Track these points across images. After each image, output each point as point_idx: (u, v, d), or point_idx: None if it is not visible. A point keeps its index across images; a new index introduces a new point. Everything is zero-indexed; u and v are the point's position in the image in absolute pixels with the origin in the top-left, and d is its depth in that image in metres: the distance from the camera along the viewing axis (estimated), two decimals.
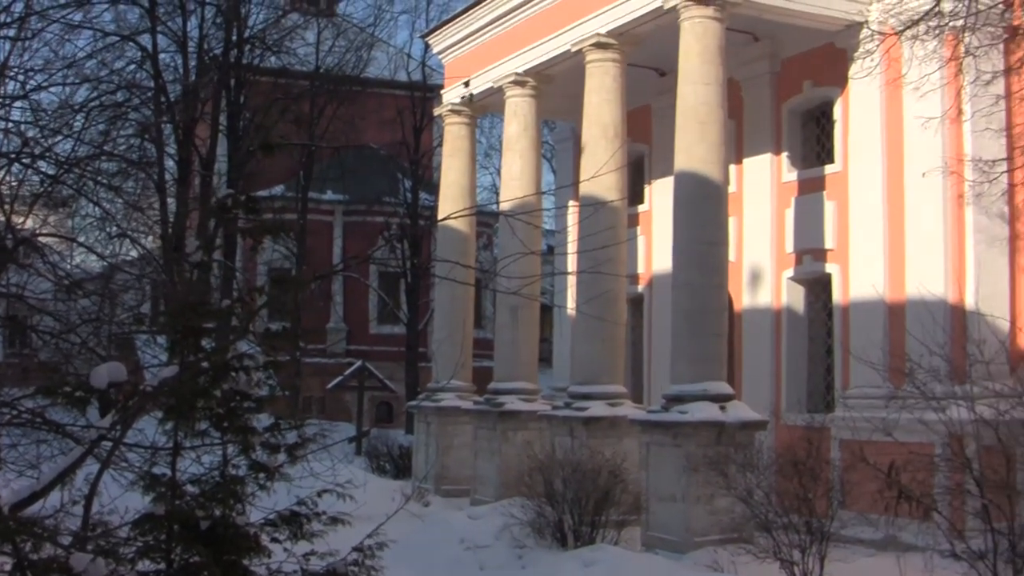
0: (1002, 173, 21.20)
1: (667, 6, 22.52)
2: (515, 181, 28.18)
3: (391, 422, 48.03)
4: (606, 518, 20.64)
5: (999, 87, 21.50)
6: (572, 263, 25.70)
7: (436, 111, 33.51)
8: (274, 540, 9.41)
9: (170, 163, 37.12)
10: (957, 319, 21.40)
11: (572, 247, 25.15)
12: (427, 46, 38.29)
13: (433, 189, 43.38)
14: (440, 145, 38.80)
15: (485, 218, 50.43)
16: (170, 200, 35.54)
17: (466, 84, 29.83)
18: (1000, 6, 20.96)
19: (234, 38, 39.96)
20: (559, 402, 25.75)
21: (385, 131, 49.67)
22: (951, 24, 20.09)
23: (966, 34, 20.55)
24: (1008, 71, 21.52)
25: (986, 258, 21.64)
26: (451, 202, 31.00)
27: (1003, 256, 21.87)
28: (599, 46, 24.79)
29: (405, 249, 48.97)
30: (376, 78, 51.79)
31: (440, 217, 31.49)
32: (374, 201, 51.25)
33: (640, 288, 30.43)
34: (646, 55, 26.08)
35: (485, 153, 60.60)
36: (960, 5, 19.11)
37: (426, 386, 33.58)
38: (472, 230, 31.94)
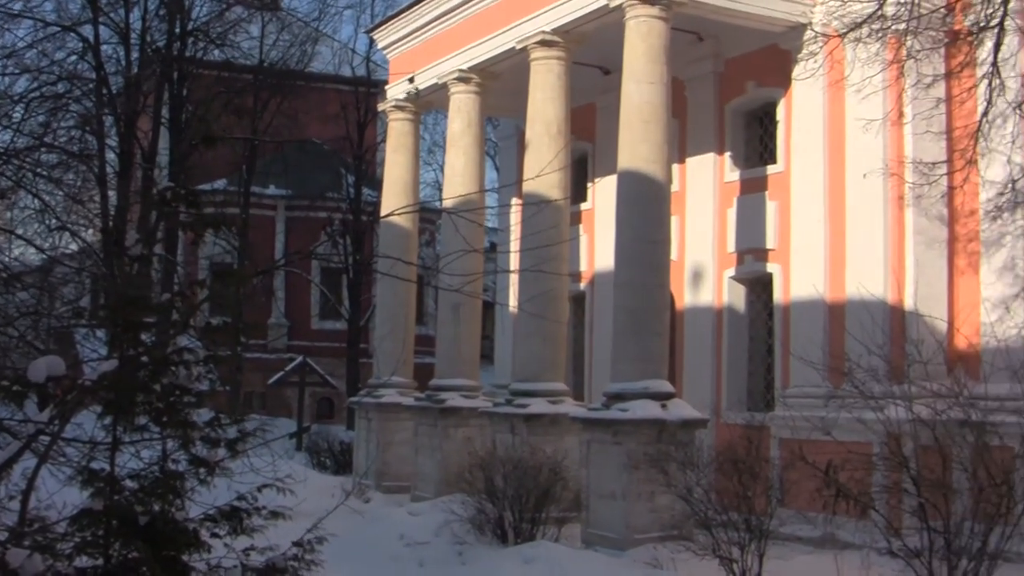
0: (941, 176, 21.40)
1: (612, 5, 22.57)
2: (458, 178, 28.15)
3: (332, 418, 47.90)
4: (546, 515, 20.67)
5: (940, 91, 21.69)
6: (515, 261, 25.76)
7: (380, 107, 33.42)
8: (214, 535, 9.38)
9: (111, 155, 36.85)
10: (896, 319, 21.61)
11: (515, 245, 25.18)
12: (372, 41, 38.23)
13: (376, 185, 43.31)
14: (384, 141, 38.78)
15: (428, 215, 50.41)
16: (111, 193, 35.28)
17: (411, 80, 29.79)
18: (941, 11, 21.19)
19: (177, 30, 39.71)
20: (500, 399, 25.75)
21: (329, 126, 49.52)
22: (893, 28, 20.25)
23: (908, 38, 20.71)
24: (948, 75, 21.71)
25: (925, 259, 21.87)
26: (394, 198, 30.93)
27: (941, 258, 22.11)
28: (544, 44, 24.79)
29: (347, 245, 48.89)
30: (320, 73, 51.68)
31: (383, 213, 31.43)
32: (317, 196, 51.10)
33: (582, 286, 30.50)
34: (591, 53, 26.11)
35: (429, 149, 60.67)
36: (902, 9, 19.27)
37: (367, 382, 33.50)
38: (415, 226, 31.91)
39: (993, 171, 21.26)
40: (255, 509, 9.52)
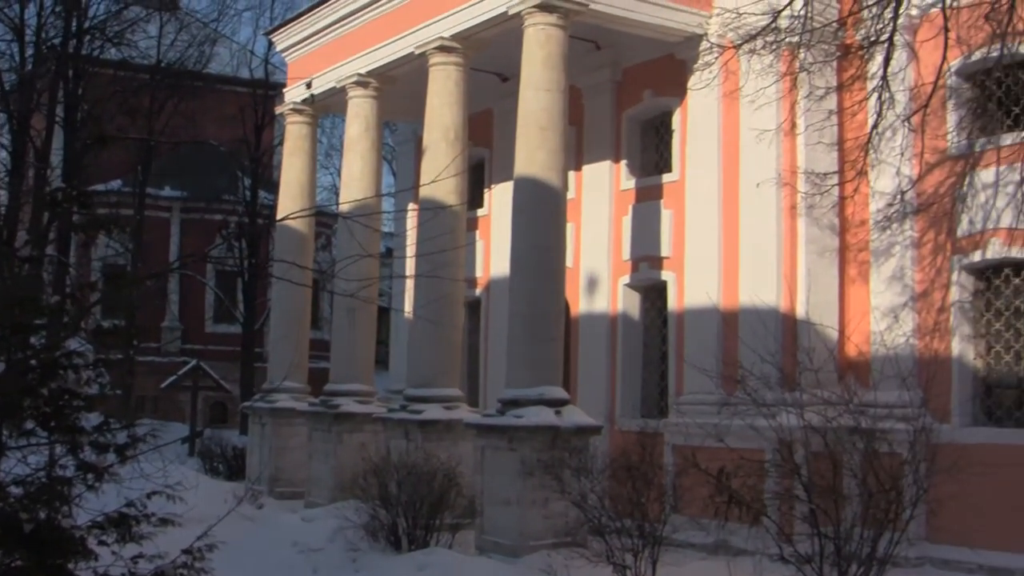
0: (833, 186, 21.78)
1: (511, 12, 22.61)
2: (355, 182, 28.04)
3: (226, 423, 47.45)
4: (440, 521, 20.65)
5: (832, 102, 22.09)
6: (410, 266, 25.72)
7: (278, 110, 33.19)
8: (101, 543, 9.25)
9: (3, 154, 36.21)
10: (788, 328, 21.91)
11: (411, 250, 25.12)
12: (270, 43, 37.92)
13: (273, 188, 42.97)
14: (281, 143, 38.52)
15: (325, 218, 50.19)
16: (1, 192, 34.62)
17: (308, 85, 29.63)
18: (833, 25, 21.54)
19: (73, 28, 39.05)
20: (395, 405, 25.67)
21: (226, 128, 49.05)
22: (787, 40, 20.55)
23: (801, 50, 21.06)
24: (840, 87, 22.11)
25: (817, 268, 22.20)
26: (291, 201, 30.76)
27: (833, 267, 22.47)
28: (443, 49, 24.77)
29: (243, 248, 48.49)
30: (218, 74, 51.25)
31: (279, 216, 31.24)
32: (213, 198, 50.70)
33: (478, 292, 30.54)
34: (489, 60, 26.19)
35: (326, 153, 60.39)
36: (796, 22, 19.56)
37: (262, 387, 33.24)
38: (311, 230, 31.74)
39: (883, 182, 21.67)
40: (144, 516, 9.42)
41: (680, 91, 24.72)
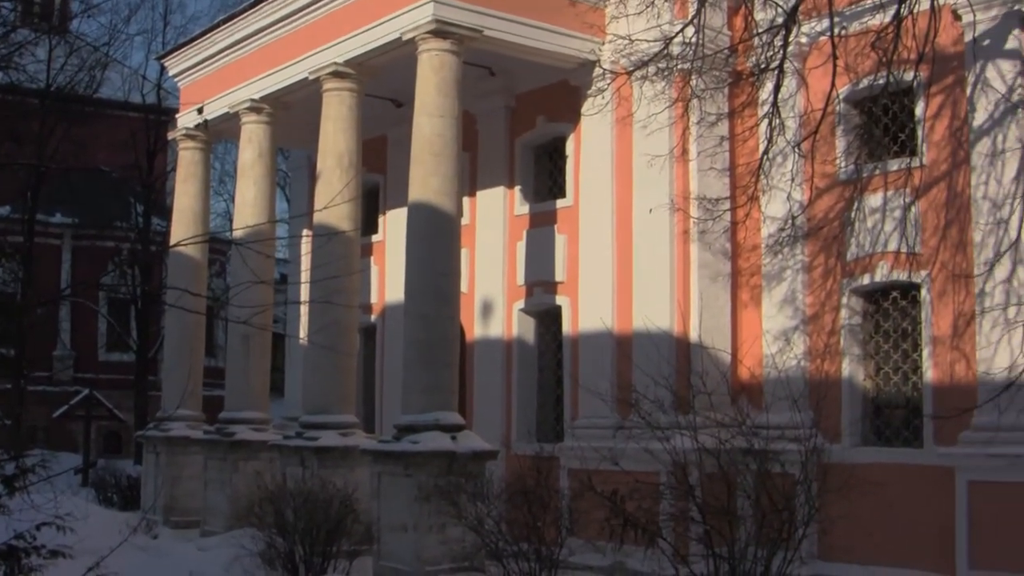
0: (725, 211, 22.06)
1: (405, 38, 22.61)
2: (249, 208, 27.80)
3: (120, 452, 46.78)
4: (338, 548, 20.48)
5: (723, 129, 22.41)
6: (304, 292, 25.54)
7: (170, 135, 32.86)
8: None
9: None
10: (681, 351, 22.08)
11: (305, 276, 24.96)
12: (163, 68, 37.55)
13: (166, 214, 42.53)
14: (174, 169, 38.10)
15: (219, 245, 49.75)
16: None
17: (200, 111, 29.34)
18: (725, 52, 21.84)
19: None
20: (291, 432, 25.45)
21: (118, 153, 48.43)
22: (679, 67, 20.81)
23: (693, 77, 21.33)
24: (732, 114, 22.44)
25: (709, 293, 22.42)
26: (184, 228, 30.44)
27: (725, 291, 22.72)
28: (336, 75, 24.69)
29: (136, 275, 47.87)
30: (109, 99, 50.62)
31: (172, 243, 30.88)
32: (105, 225, 49.96)
33: (373, 318, 30.41)
34: (383, 85, 26.13)
35: (220, 179, 59.92)
36: (688, 49, 19.78)
37: (156, 415, 32.79)
38: (204, 257, 31.40)
39: (774, 207, 21.98)
40: (34, 548, 9.23)
41: (574, 117, 24.87)
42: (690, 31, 19.50)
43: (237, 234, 27.26)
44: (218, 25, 29.28)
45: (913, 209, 20.36)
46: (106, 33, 50.46)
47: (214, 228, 51.80)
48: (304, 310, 26.35)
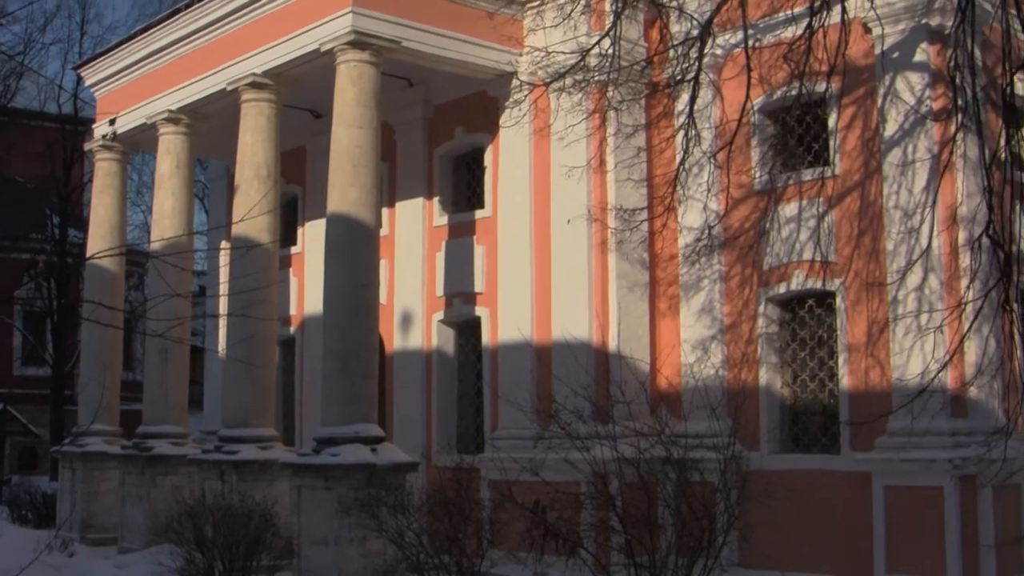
0: (642, 222, 22.23)
1: (324, 49, 22.55)
2: (167, 220, 27.53)
3: (35, 469, 46.09)
4: (258, 563, 20.38)
5: (640, 140, 22.61)
6: (223, 305, 25.35)
7: (87, 146, 32.50)
8: None
9: None
10: (600, 361, 22.21)
11: (223, 289, 24.77)
12: (79, 78, 37.14)
13: (83, 225, 42.06)
14: (91, 180, 37.63)
15: (136, 257, 49.20)
16: None
17: (111, 123, 29.02)
18: (641, 64, 22.00)
19: None
20: (209, 446, 25.24)
21: (33, 164, 47.86)
22: (596, 78, 20.97)
23: (610, 88, 21.50)
24: (648, 125, 22.64)
25: (627, 303, 22.56)
26: (101, 240, 30.08)
27: (643, 301, 22.88)
28: (255, 86, 24.55)
29: (52, 287, 47.25)
30: (24, 109, 50.00)
31: (88, 255, 30.54)
32: (20, 237, 49.23)
33: (292, 330, 30.23)
34: (302, 96, 26.07)
35: (137, 190, 59.13)
36: (604, 61, 19.93)
37: (72, 430, 32.37)
38: (122, 269, 31.04)
39: (690, 217, 22.20)
40: None
41: (492, 128, 24.93)
42: (606, 43, 19.68)
43: (154, 246, 27.00)
44: (135, 35, 29.00)
45: (827, 218, 20.68)
46: (21, 42, 49.72)
47: (132, 240, 51.24)
48: (223, 323, 26.14)
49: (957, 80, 17.40)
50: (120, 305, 30.29)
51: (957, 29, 17.06)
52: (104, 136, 29.85)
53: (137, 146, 32.16)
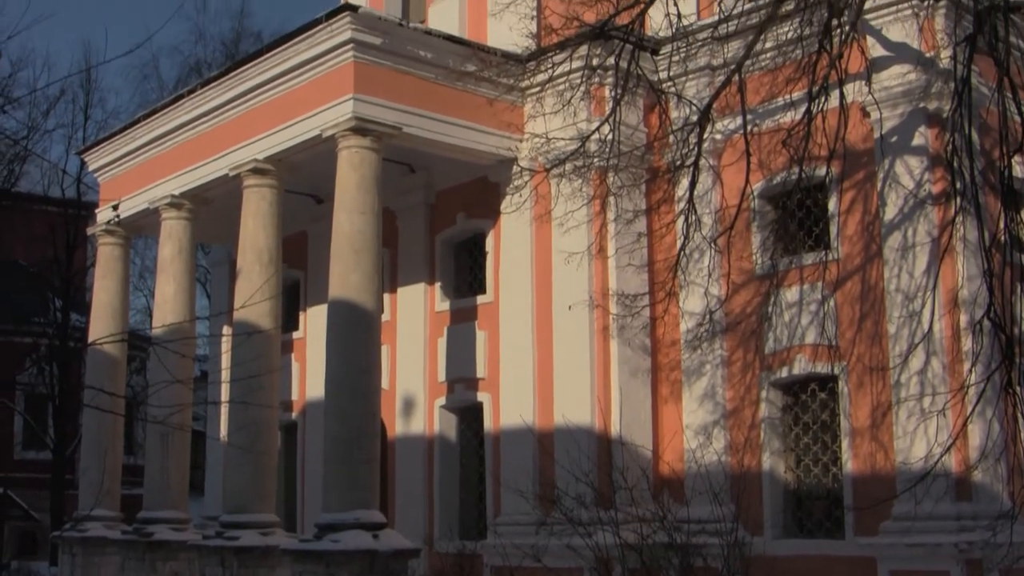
0: (644, 307, 22.25)
1: (325, 135, 22.70)
2: (168, 305, 27.54)
3: (35, 554, 45.74)
4: None
5: (641, 225, 22.68)
6: (224, 391, 25.26)
7: (89, 230, 32.60)
8: None
9: None
10: (602, 447, 22.11)
11: (224, 375, 24.71)
12: (83, 162, 37.33)
13: (85, 309, 42.08)
14: (93, 265, 37.72)
15: (138, 341, 49.18)
16: None
17: (115, 208, 29.09)
18: (641, 149, 22.13)
19: None
20: (210, 531, 25.09)
21: (36, 248, 47.94)
22: (596, 164, 21.09)
23: (610, 174, 21.62)
24: (649, 210, 22.76)
25: (629, 388, 22.51)
26: (103, 324, 30.06)
27: (645, 387, 22.84)
28: (257, 171, 24.65)
29: (54, 371, 47.18)
30: (28, 193, 50.16)
31: (91, 340, 30.51)
32: (22, 321, 49.22)
33: (294, 415, 30.08)
34: (304, 181, 26.20)
35: (139, 274, 59.06)
36: (604, 147, 20.04)
37: (72, 515, 32.18)
38: (124, 354, 31.02)
39: (692, 302, 22.22)
40: None
41: (493, 213, 25.02)
42: (606, 129, 19.79)
43: (156, 332, 27.00)
44: (138, 121, 29.18)
45: (829, 302, 20.68)
46: (25, 126, 49.97)
47: (134, 324, 51.19)
48: (224, 408, 26.07)
49: (955, 164, 17.45)
50: (122, 390, 30.24)
51: (954, 113, 17.16)
52: (108, 221, 29.90)
53: (139, 230, 32.29)
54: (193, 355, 29.40)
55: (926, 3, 20.11)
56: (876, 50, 20.38)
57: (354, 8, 22.64)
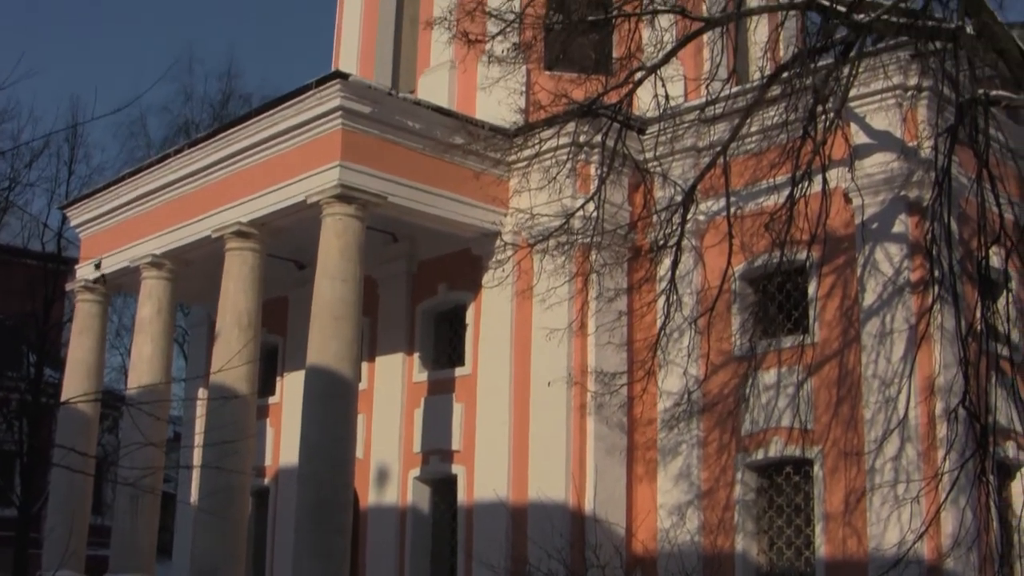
0: (622, 386, 22.29)
1: (311, 201, 22.74)
2: (145, 365, 27.37)
3: None
4: None
5: (622, 303, 22.77)
6: (197, 455, 25.07)
7: (68, 286, 32.42)
8: None
9: None
10: (576, 524, 22.03)
11: (199, 439, 24.53)
12: (64, 217, 37.26)
13: (60, 365, 41.77)
14: (70, 320, 37.52)
15: (112, 400, 48.84)
16: None
17: (97, 266, 29.03)
18: (624, 228, 22.24)
19: None
20: None
21: (13, 301, 47.56)
22: (579, 241, 21.18)
23: (593, 252, 21.71)
24: (630, 289, 22.84)
25: (604, 466, 22.46)
26: (77, 381, 29.82)
27: (621, 465, 22.80)
28: (240, 234, 24.62)
29: (24, 427, 46.80)
30: (7, 245, 49.98)
31: (64, 397, 30.28)
32: None
33: (266, 481, 29.82)
34: (286, 245, 26.16)
35: (116, 332, 58.78)
36: (588, 224, 20.16)
37: (36, 575, 31.77)
38: (96, 412, 30.73)
39: (670, 382, 22.26)
40: None
41: (474, 286, 25.04)
42: (591, 207, 19.91)
43: (131, 392, 26.77)
44: (123, 178, 29.18)
45: (806, 386, 20.75)
46: (6, 179, 49.90)
47: (108, 382, 50.80)
48: (196, 472, 25.84)
49: (935, 252, 17.62)
50: (92, 449, 29.99)
51: (935, 202, 17.35)
52: (89, 278, 29.78)
53: (119, 288, 32.12)
54: (167, 417, 29.16)
55: (910, 93, 20.43)
56: (859, 137, 20.65)
57: (344, 75, 22.81)
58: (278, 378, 30.32)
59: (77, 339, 30.89)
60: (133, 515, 26.98)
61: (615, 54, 21.58)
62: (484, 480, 23.74)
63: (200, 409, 25.69)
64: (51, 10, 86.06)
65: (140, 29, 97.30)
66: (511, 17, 19.51)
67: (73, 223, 32.52)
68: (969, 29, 15.54)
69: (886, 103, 20.61)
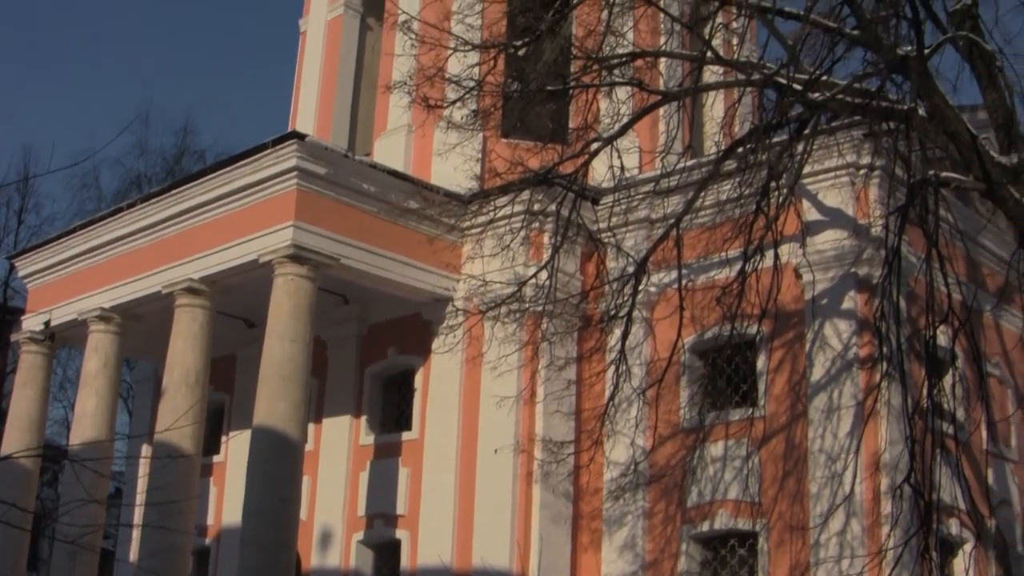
0: (569, 455, 22.26)
1: (262, 260, 22.69)
2: (88, 419, 27.02)
3: None
4: None
5: (571, 372, 22.80)
6: (139, 513, 24.75)
7: (14, 337, 32.05)
8: None
9: None
10: None
11: (140, 498, 24.21)
12: (12, 267, 36.92)
13: (1, 416, 41.23)
14: (14, 371, 37.10)
15: (54, 454, 48.19)
16: None
17: (46, 324, 28.74)
18: (576, 297, 22.30)
19: None
20: None
21: None
22: (531, 309, 21.21)
23: (544, 320, 21.73)
24: (580, 358, 22.88)
25: (550, 535, 22.40)
26: (18, 434, 29.37)
27: (566, 534, 22.75)
28: (190, 291, 24.47)
29: None
30: None
31: (4, 452, 29.84)
32: None
33: (207, 541, 29.47)
34: (236, 304, 26.00)
35: (60, 384, 58.12)
36: (540, 292, 20.20)
37: None
38: (37, 466, 30.33)
39: (617, 452, 22.27)
40: None
41: (424, 350, 25.00)
42: (544, 275, 19.98)
43: (73, 447, 26.44)
44: (74, 230, 28.95)
45: (753, 459, 20.80)
46: None
47: (50, 435, 50.28)
48: (137, 530, 25.48)
49: (883, 329, 17.75)
50: (31, 503, 29.46)
51: (884, 280, 17.50)
52: (35, 331, 29.46)
53: (65, 341, 31.74)
54: (110, 473, 28.82)
55: (862, 172, 20.69)
56: (812, 214, 20.86)
57: (301, 136, 22.84)
58: (223, 436, 30.06)
59: (20, 391, 30.46)
60: (71, 572, 26.57)
61: (572, 124, 21.69)
62: (428, 545, 23.58)
63: (144, 468, 25.39)
64: None
65: (97, 80, 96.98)
66: (471, 84, 19.60)
67: (21, 274, 32.18)
68: (921, 111, 15.74)
69: (839, 181, 20.87)
